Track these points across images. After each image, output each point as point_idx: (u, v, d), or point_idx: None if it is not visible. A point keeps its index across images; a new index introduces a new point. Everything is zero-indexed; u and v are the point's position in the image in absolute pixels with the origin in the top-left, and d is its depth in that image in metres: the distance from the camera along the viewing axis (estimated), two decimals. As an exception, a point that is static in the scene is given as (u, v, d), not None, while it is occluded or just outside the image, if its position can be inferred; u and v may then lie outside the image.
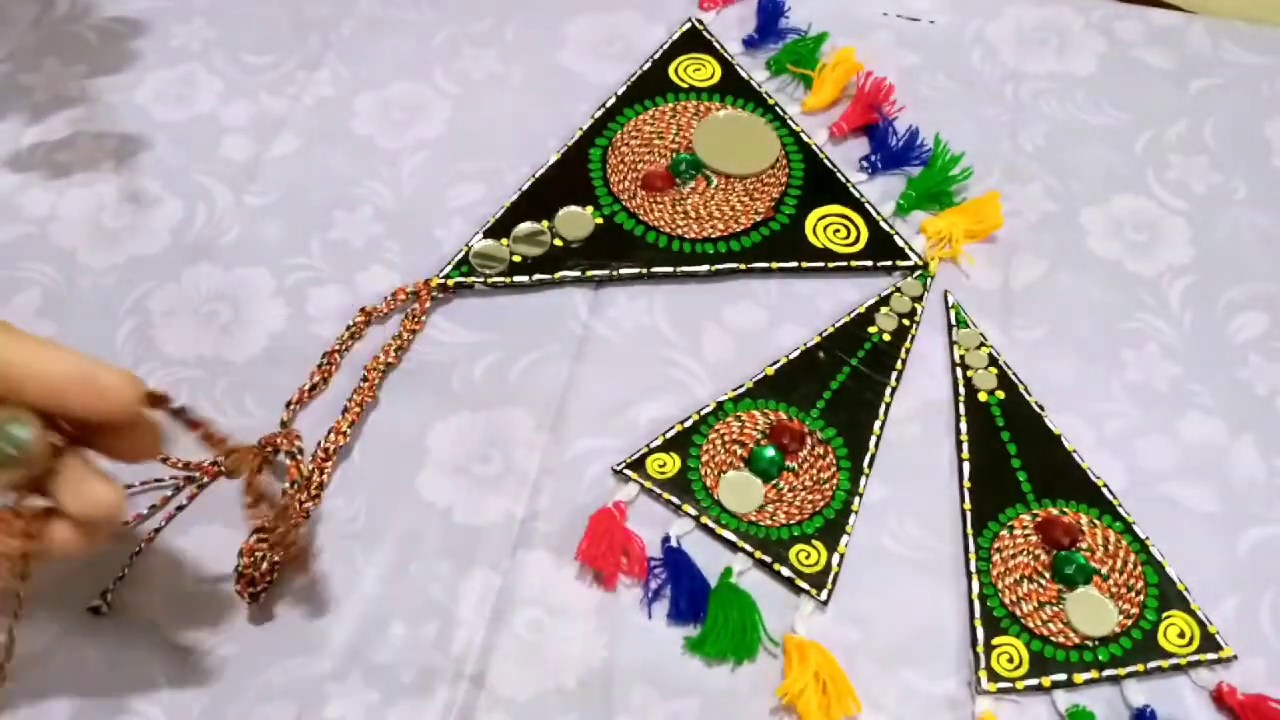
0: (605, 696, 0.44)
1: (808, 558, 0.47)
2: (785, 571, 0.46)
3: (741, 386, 0.51)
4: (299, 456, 0.47)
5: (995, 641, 0.45)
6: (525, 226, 0.56)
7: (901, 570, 0.47)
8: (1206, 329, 0.54)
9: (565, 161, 0.58)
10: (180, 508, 0.47)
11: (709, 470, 0.49)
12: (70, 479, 0.35)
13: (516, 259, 0.54)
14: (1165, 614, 0.46)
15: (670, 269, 0.54)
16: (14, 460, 0.34)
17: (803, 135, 0.60)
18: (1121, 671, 0.44)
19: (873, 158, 0.59)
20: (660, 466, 0.49)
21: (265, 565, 0.44)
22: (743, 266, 0.55)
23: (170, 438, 0.49)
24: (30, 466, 0.34)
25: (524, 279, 0.54)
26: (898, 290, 0.55)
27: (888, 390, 0.52)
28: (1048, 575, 0.47)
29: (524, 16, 0.65)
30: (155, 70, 0.62)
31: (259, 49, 0.63)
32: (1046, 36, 0.65)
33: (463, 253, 0.55)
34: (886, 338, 0.53)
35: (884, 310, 0.54)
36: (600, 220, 0.56)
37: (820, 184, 0.58)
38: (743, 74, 0.62)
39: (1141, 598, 0.46)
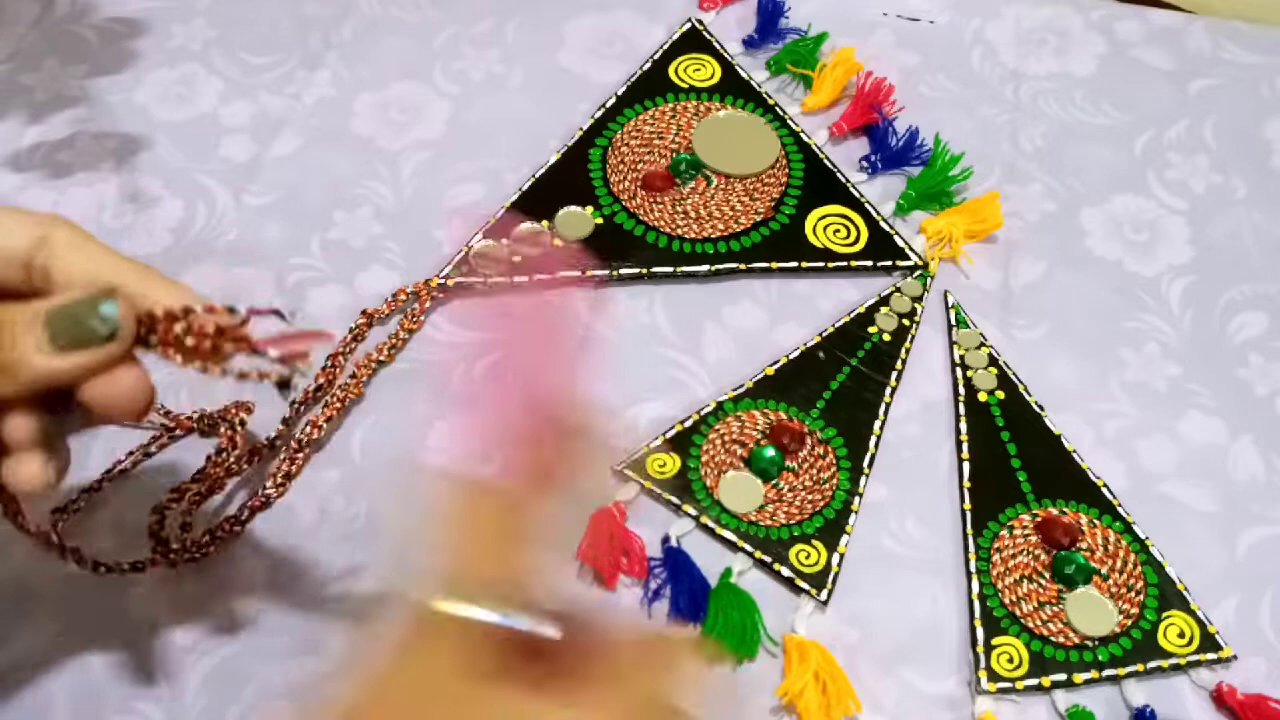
0: (605, 696, 0.44)
1: (808, 558, 0.47)
2: (785, 571, 0.46)
3: (741, 386, 0.51)
4: (240, 428, 0.48)
5: (995, 641, 0.45)
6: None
7: (901, 570, 0.47)
8: (1206, 329, 0.54)
9: (565, 161, 0.58)
10: (149, 454, 0.48)
11: (709, 470, 0.49)
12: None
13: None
14: (1165, 614, 0.46)
15: (670, 269, 0.54)
16: (104, 338, 0.33)
17: (803, 135, 0.60)
18: (1121, 671, 0.44)
19: (873, 158, 0.59)
20: (660, 466, 0.49)
21: (184, 527, 0.45)
22: (743, 266, 0.55)
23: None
24: (119, 345, 0.33)
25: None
26: (898, 290, 0.55)
27: (888, 390, 0.51)
28: (1048, 575, 0.47)
29: (524, 16, 0.65)
30: (155, 70, 0.62)
31: (259, 49, 0.63)
32: (1046, 37, 0.65)
33: (463, 253, 0.55)
34: (886, 338, 0.53)
35: (884, 310, 0.54)
36: (600, 220, 0.56)
37: (820, 184, 0.58)
38: (743, 74, 0.62)
39: (1141, 598, 0.46)
